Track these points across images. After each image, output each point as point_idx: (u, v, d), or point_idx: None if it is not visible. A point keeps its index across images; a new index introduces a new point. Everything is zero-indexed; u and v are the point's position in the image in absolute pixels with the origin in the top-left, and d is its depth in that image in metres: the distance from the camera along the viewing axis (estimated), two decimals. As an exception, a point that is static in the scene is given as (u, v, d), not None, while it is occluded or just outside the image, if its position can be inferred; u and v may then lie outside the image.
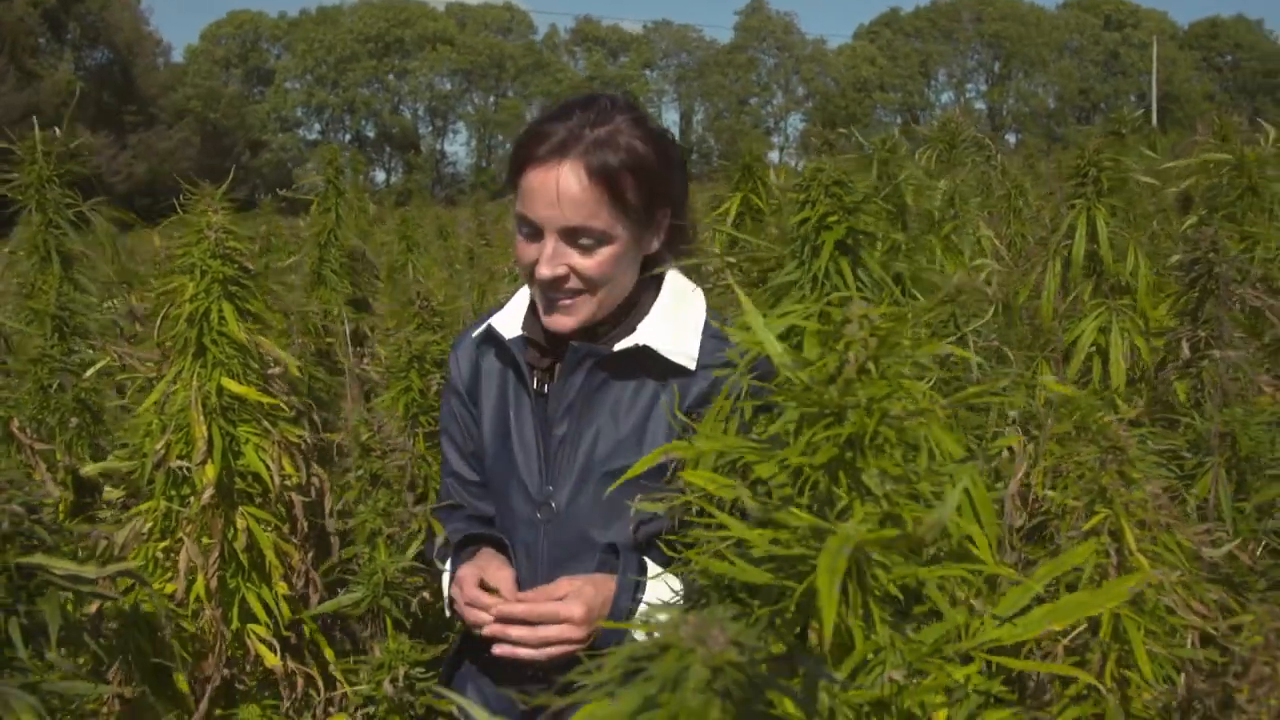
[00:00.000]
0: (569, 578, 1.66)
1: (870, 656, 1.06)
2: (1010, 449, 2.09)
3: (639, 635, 1.40)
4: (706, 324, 1.84)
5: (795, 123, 80.00)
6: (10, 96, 49.03)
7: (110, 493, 1.64)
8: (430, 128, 77.61)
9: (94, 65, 61.01)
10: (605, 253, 1.74)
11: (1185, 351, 2.48)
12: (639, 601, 1.65)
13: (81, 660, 1.59)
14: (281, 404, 1.95)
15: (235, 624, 1.98)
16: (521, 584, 1.75)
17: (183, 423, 1.85)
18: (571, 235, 1.72)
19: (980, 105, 78.25)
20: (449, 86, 76.29)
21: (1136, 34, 76.28)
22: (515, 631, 1.62)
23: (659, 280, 1.86)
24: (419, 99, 76.61)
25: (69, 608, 1.47)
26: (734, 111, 77.97)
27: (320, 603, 2.02)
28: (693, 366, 1.77)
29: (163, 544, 1.87)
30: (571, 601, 1.61)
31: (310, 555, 2.01)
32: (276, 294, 2.14)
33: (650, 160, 1.76)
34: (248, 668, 1.97)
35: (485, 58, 73.93)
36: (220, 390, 1.88)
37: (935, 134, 5.23)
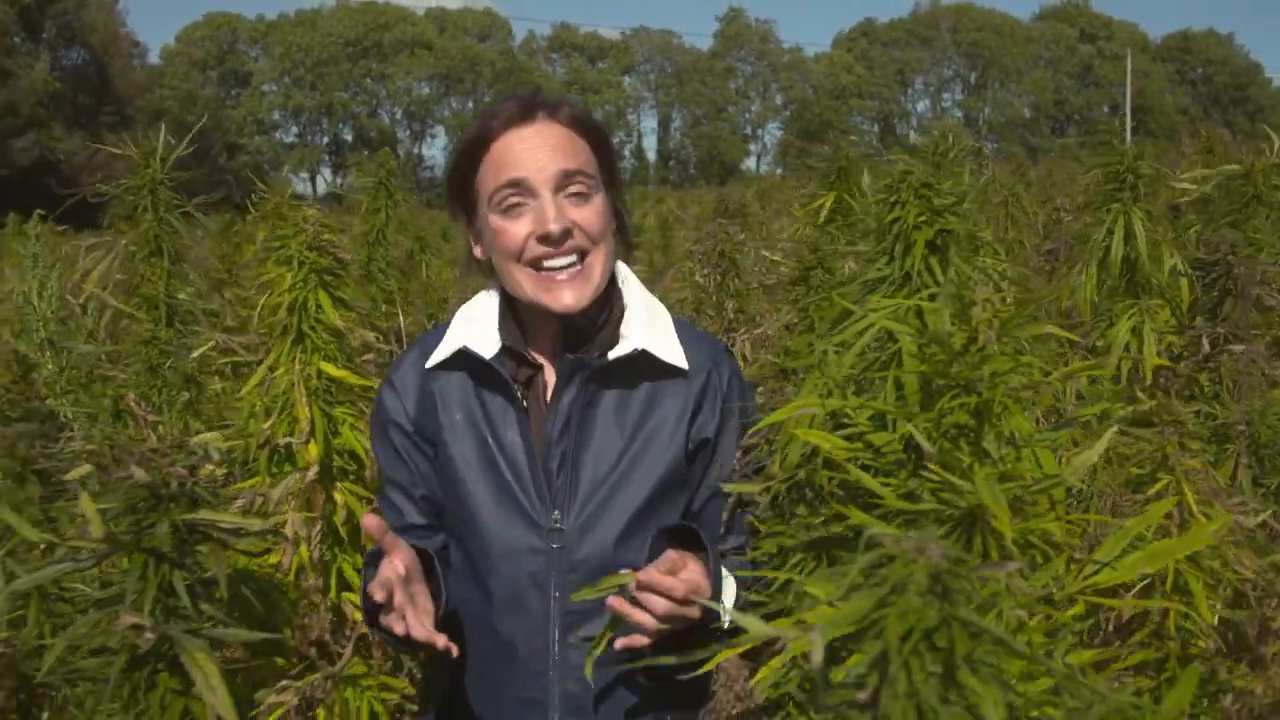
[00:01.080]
0: (678, 553, 1.53)
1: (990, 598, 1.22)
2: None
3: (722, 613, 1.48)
4: (677, 322, 1.80)
5: (773, 130, 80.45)
6: (-15, 96, 48.67)
7: (208, 470, 1.77)
8: (408, 132, 77.55)
9: (70, 65, 60.58)
10: (598, 201, 1.69)
11: (1205, 347, 2.66)
12: (720, 580, 1.56)
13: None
14: (374, 386, 2.09)
15: (333, 593, 2.12)
16: (533, 615, 1.66)
17: (286, 404, 1.99)
18: (565, 181, 1.65)
19: (957, 114, 78.90)
20: (427, 91, 76.25)
21: (1110, 46, 77.19)
22: (656, 608, 1.46)
23: (619, 278, 1.81)
24: (397, 103, 76.51)
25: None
26: (712, 118, 78.29)
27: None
28: (686, 367, 1.72)
29: (270, 518, 2.00)
30: (700, 579, 1.50)
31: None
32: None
33: (604, 131, 1.76)
34: (347, 631, 2.11)
35: (463, 62, 73.94)
36: (319, 374, 2.01)
37: (930, 143, 5.42)
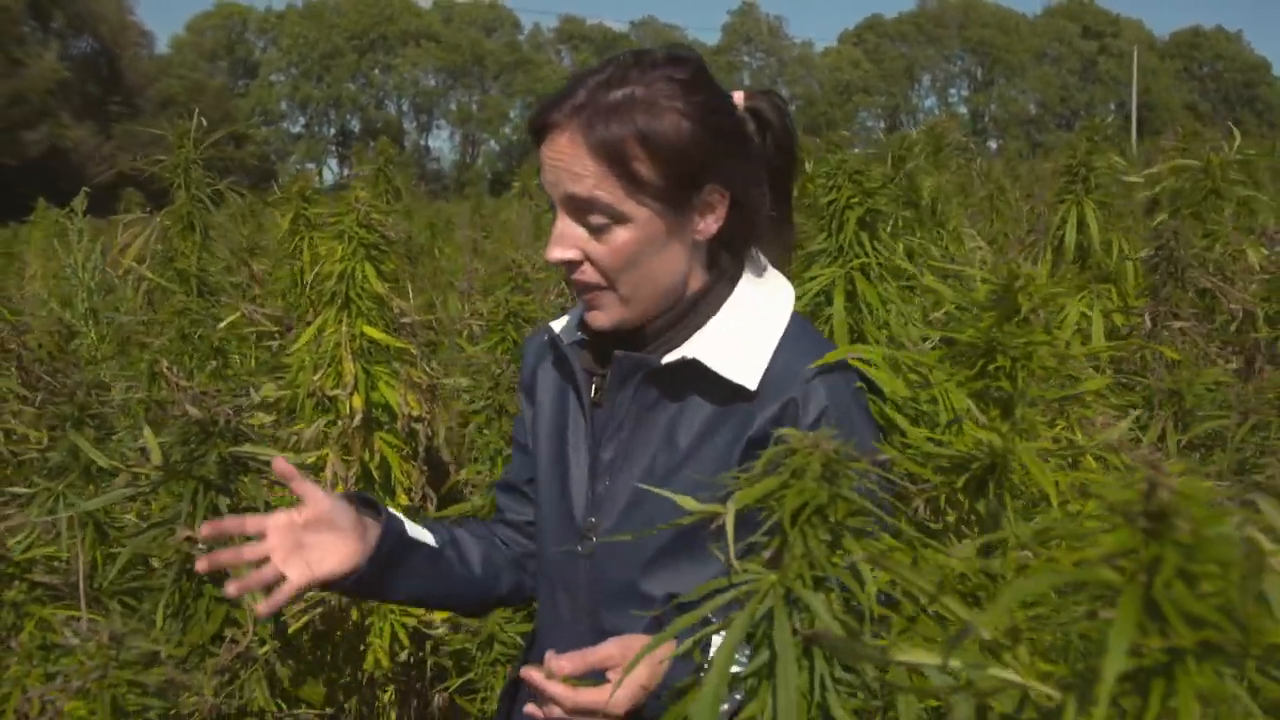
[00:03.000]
0: (620, 641, 1.37)
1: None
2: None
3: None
4: (787, 337, 1.53)
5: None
6: (-5, 84, 49.02)
7: (259, 418, 2.01)
8: (415, 123, 77.83)
9: (79, 54, 60.90)
10: (622, 236, 1.46)
11: (1147, 324, 2.91)
12: (699, 670, 1.31)
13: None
14: (410, 348, 2.36)
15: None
16: (562, 621, 1.59)
17: (333, 360, 2.26)
18: (579, 210, 1.47)
19: (963, 110, 79.00)
20: (434, 83, 76.54)
21: (1116, 43, 77.25)
22: (548, 714, 1.36)
23: (735, 278, 1.59)
24: (404, 95, 76.80)
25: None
26: (718, 113, 78.29)
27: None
28: (753, 387, 1.47)
29: (310, 459, 2.27)
30: (617, 691, 1.32)
31: (425, 476, 2.41)
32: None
33: (672, 132, 1.45)
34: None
35: (469, 55, 74.20)
36: (362, 335, 2.28)
37: (921, 137, 5.69)
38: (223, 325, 2.69)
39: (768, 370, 1.48)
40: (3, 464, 2.70)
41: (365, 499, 1.55)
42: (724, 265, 1.57)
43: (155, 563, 1.95)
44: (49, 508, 1.95)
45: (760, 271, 1.60)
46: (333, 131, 76.74)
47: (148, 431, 1.73)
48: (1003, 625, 0.74)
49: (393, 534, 1.50)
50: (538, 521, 1.66)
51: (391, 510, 1.54)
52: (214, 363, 2.70)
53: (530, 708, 1.37)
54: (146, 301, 2.96)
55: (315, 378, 2.23)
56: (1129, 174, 4.71)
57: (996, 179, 6.58)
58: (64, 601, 1.78)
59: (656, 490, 1.34)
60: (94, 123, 54.97)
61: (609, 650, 1.34)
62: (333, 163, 73.64)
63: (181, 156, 2.73)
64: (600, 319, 1.52)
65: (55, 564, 1.86)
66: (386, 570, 1.50)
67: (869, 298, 1.66)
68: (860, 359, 1.48)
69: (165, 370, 1.91)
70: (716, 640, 1.26)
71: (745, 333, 1.52)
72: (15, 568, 1.74)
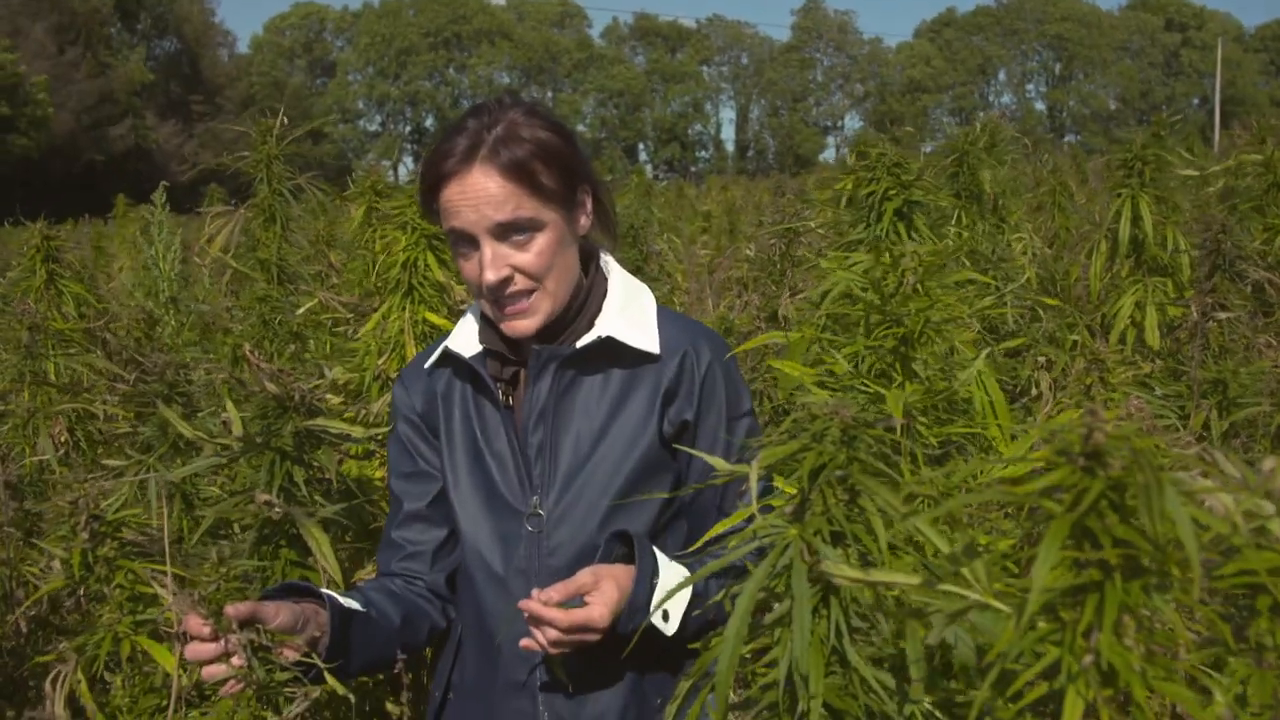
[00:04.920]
0: (591, 569, 1.63)
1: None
2: (1039, 383, 2.59)
3: (656, 621, 1.57)
4: (660, 309, 1.84)
5: (853, 122, 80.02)
6: (85, 84, 50.59)
7: (331, 399, 2.15)
8: (489, 121, 78.47)
9: (163, 55, 62.58)
10: (541, 241, 1.71)
11: (1195, 315, 2.95)
12: (654, 589, 1.63)
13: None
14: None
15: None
16: (516, 600, 1.66)
17: (397, 344, 2.40)
18: (503, 233, 1.69)
19: (1040, 106, 77.80)
20: (507, 80, 77.27)
21: (1200, 36, 75.51)
22: (545, 635, 1.58)
23: (600, 268, 1.87)
24: (478, 92, 77.60)
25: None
26: (790, 110, 78.15)
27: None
28: (657, 351, 1.76)
29: (376, 436, 2.41)
30: (596, 607, 1.57)
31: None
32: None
33: (555, 143, 1.73)
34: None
35: (543, 52, 74.79)
36: (424, 320, 2.43)
37: (985, 132, 5.71)
38: (301, 312, 2.85)
39: (659, 336, 1.77)
40: (94, 443, 2.90)
41: (294, 587, 1.67)
42: (594, 254, 1.86)
43: (235, 528, 2.10)
44: (139, 479, 2.12)
45: (609, 260, 1.88)
46: (408, 129, 77.83)
47: (230, 405, 1.88)
48: (962, 537, 0.83)
49: (338, 613, 1.62)
50: (467, 531, 1.81)
51: (325, 591, 1.66)
52: (293, 347, 2.87)
53: (526, 642, 1.60)
54: (230, 291, 3.14)
55: (380, 361, 2.37)
56: (1188, 169, 4.72)
57: (1060, 174, 6.56)
58: (150, 559, 1.94)
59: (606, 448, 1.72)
60: (177, 121, 56.51)
61: (584, 578, 1.59)
62: (408, 159, 74.67)
63: (264, 152, 2.91)
64: (527, 325, 1.73)
65: (143, 529, 2.02)
66: (342, 647, 1.62)
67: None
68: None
69: (247, 353, 2.05)
70: (674, 575, 1.65)
71: (633, 308, 1.81)
72: (107, 526, 1.90)
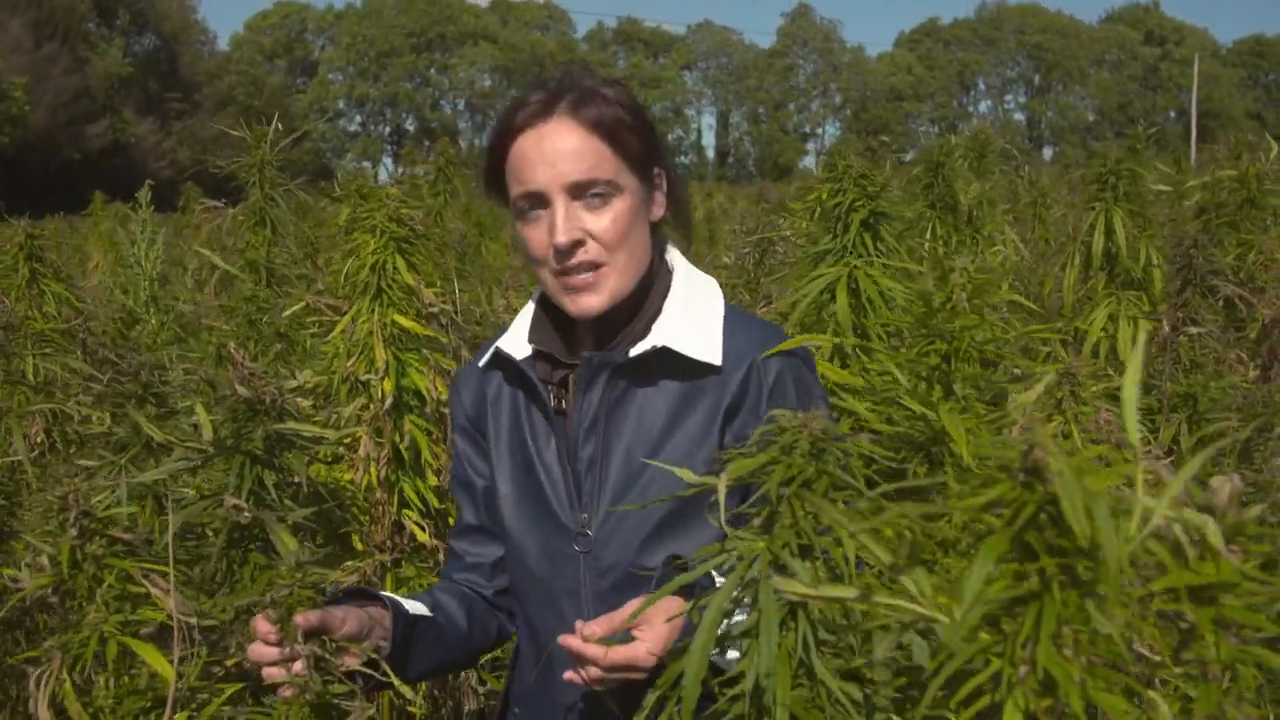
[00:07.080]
0: (639, 600, 1.41)
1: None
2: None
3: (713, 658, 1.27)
4: (728, 311, 1.68)
5: (833, 130, 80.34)
6: (61, 80, 50.18)
7: (301, 403, 2.15)
8: (470, 123, 78.51)
9: (142, 52, 62.14)
10: (618, 207, 1.58)
11: (1165, 329, 2.98)
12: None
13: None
14: (438, 336, 2.49)
15: (395, 508, 2.53)
16: (567, 621, 1.56)
17: (365, 347, 2.40)
18: (579, 190, 1.56)
19: (1019, 116, 78.31)
20: (489, 83, 77.17)
21: (1178, 50, 76.20)
22: (587, 674, 1.44)
23: (667, 265, 1.73)
24: (459, 94, 77.51)
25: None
26: (771, 116, 78.38)
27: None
28: (719, 363, 1.61)
29: (345, 440, 2.41)
30: (641, 644, 1.41)
31: (454, 458, 2.56)
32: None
33: (638, 112, 1.64)
34: (404, 542, 2.52)
35: (527, 55, 74.71)
36: (392, 323, 2.43)
37: (963, 143, 5.75)
38: (287, 313, 2.86)
39: (724, 344, 1.61)
40: (69, 442, 2.88)
41: (360, 591, 1.61)
42: (661, 247, 1.72)
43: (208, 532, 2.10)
44: (112, 480, 2.11)
45: (675, 254, 1.73)
46: (388, 130, 77.64)
47: (199, 408, 1.88)
48: (900, 550, 0.85)
49: (402, 618, 1.56)
50: (515, 545, 1.70)
51: (390, 595, 1.61)
52: (278, 346, 2.88)
53: (569, 675, 1.46)
54: (214, 290, 3.15)
55: (349, 363, 2.38)
56: (1166, 182, 4.76)
57: (1041, 186, 6.61)
58: (139, 557, 1.93)
59: (659, 464, 1.50)
60: (155, 119, 56.12)
61: (629, 611, 1.42)
62: (388, 161, 74.51)
63: (257, 157, 2.93)
64: (591, 302, 1.59)
65: (129, 528, 2.01)
66: (404, 652, 1.57)
67: (870, 294, 1.77)
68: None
69: (231, 352, 2.05)
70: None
71: (697, 314, 1.64)
72: (98, 523, 1.89)
